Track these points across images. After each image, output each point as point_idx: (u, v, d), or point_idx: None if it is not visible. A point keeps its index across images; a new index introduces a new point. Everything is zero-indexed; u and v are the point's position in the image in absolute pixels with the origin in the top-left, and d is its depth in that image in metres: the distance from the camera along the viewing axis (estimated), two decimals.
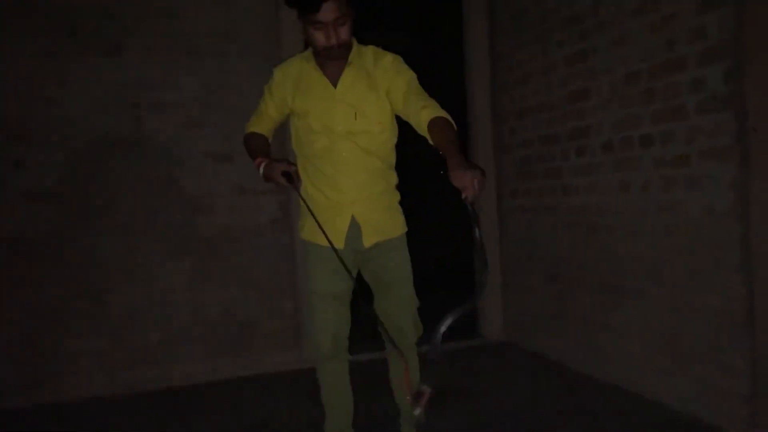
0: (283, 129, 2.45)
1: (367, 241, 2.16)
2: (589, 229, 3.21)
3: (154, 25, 3.42)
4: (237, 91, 3.53)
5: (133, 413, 3.08)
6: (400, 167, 2.28)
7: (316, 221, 2.08)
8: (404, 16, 5.87)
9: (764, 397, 2.31)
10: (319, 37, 1.96)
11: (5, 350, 3.22)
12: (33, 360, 3.25)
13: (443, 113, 1.95)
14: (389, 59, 2.11)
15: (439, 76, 5.76)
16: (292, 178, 2.10)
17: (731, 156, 2.37)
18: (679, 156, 2.61)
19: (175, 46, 3.46)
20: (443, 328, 1.63)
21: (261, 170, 2.13)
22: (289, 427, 2.79)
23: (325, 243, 2.11)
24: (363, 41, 2.17)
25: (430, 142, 1.92)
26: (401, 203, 2.28)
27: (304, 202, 2.15)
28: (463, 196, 1.69)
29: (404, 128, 2.17)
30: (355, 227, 2.15)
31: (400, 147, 2.25)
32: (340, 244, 2.14)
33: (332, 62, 2.07)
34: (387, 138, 2.17)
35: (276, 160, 2.13)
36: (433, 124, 1.91)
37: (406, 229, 2.26)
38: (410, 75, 2.09)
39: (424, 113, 1.94)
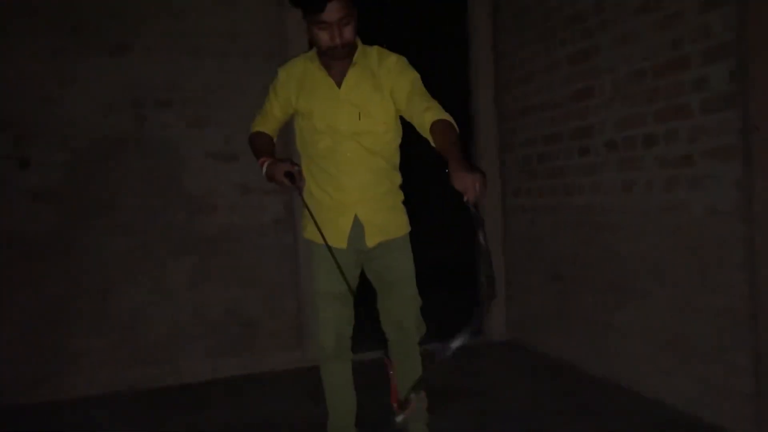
0: (287, 129, 2.45)
1: (370, 241, 2.16)
2: (593, 229, 3.21)
3: (157, 25, 3.42)
4: (240, 91, 3.53)
5: (134, 412, 3.09)
6: (404, 167, 2.28)
7: (315, 222, 2.09)
8: (408, 14, 5.86)
9: None
10: (324, 37, 1.96)
11: (8, 349, 3.23)
12: (35, 358, 3.27)
13: (446, 116, 1.95)
14: (393, 59, 2.10)
15: (443, 75, 5.77)
16: (294, 179, 2.10)
17: (735, 155, 2.37)
18: (682, 155, 2.61)
19: (178, 45, 3.46)
20: (454, 347, 1.59)
21: (264, 170, 2.13)
22: (292, 426, 2.79)
23: (328, 243, 2.12)
24: (367, 41, 2.17)
25: (432, 144, 1.93)
26: (405, 203, 2.28)
27: (305, 203, 2.15)
28: (465, 198, 1.68)
29: (408, 129, 2.16)
30: (358, 227, 2.15)
31: (403, 147, 2.25)
32: (342, 244, 2.15)
33: (337, 62, 2.07)
34: (391, 138, 2.17)
35: (280, 160, 2.13)
36: (436, 126, 1.91)
37: (409, 229, 2.26)
38: (414, 76, 2.09)
39: (426, 115, 1.95)
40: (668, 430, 2.56)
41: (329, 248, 2.05)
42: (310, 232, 2.21)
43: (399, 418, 1.67)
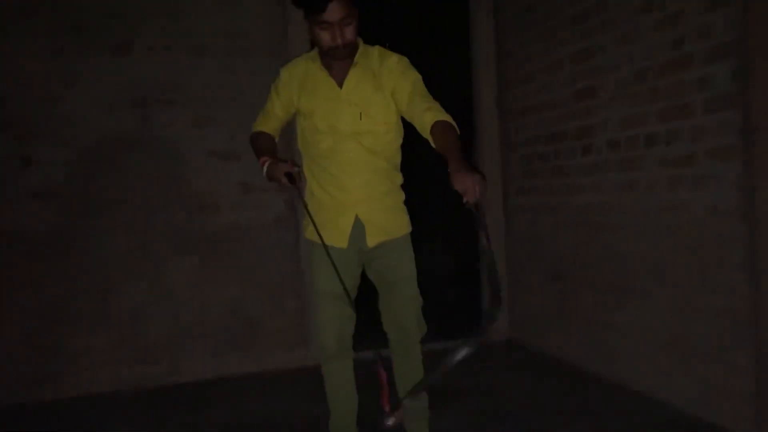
0: (290, 128, 2.45)
1: (371, 241, 2.16)
2: (594, 228, 3.20)
3: (159, 24, 3.43)
4: (242, 90, 3.53)
5: (135, 411, 3.10)
6: (405, 167, 2.28)
7: (313, 223, 2.10)
8: (410, 14, 5.84)
9: None
10: (325, 37, 1.96)
11: (9, 348, 3.24)
12: (36, 357, 3.28)
13: (447, 117, 1.95)
14: (395, 60, 2.11)
15: (445, 74, 5.76)
16: (294, 180, 2.10)
17: (736, 155, 2.36)
18: (684, 155, 2.61)
19: (179, 45, 3.46)
20: (456, 359, 1.57)
21: (264, 170, 2.14)
22: (293, 426, 2.80)
23: (329, 242, 2.13)
24: (369, 41, 2.17)
25: (433, 145, 1.93)
26: (406, 203, 2.28)
27: (304, 204, 2.15)
28: (464, 200, 1.68)
29: (409, 129, 2.16)
30: (359, 227, 2.15)
31: (405, 147, 2.25)
32: (343, 244, 2.15)
33: (338, 62, 2.07)
34: (392, 138, 2.17)
35: (280, 161, 2.13)
36: (436, 127, 1.91)
37: (410, 229, 2.26)
38: (415, 76, 2.09)
39: (427, 116, 1.95)
40: (668, 429, 2.56)
41: (326, 250, 2.05)
42: (311, 233, 2.21)
43: (390, 422, 1.66)
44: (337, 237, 2.15)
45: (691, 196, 2.59)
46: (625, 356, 3.03)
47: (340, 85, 2.09)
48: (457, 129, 1.93)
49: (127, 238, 3.41)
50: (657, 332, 2.81)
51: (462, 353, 1.48)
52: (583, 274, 3.31)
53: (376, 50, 2.14)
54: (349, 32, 1.96)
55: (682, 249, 2.65)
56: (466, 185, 1.67)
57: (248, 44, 3.57)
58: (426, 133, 1.96)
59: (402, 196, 2.27)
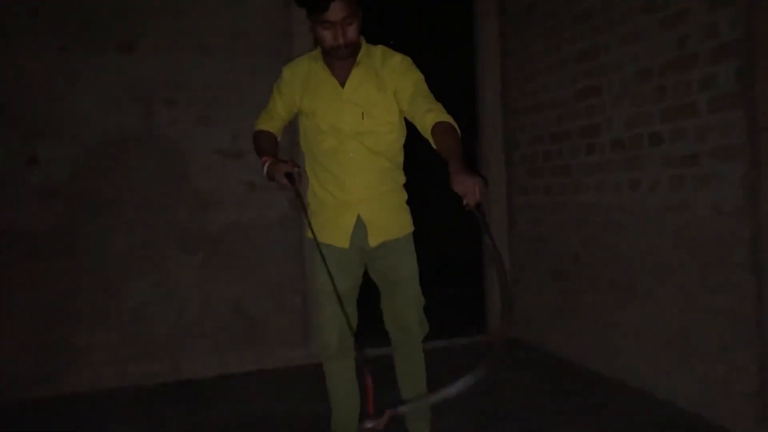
0: (293, 128, 2.45)
1: (373, 241, 2.16)
2: (598, 227, 3.20)
3: (163, 23, 3.43)
4: (246, 89, 3.54)
5: (138, 408, 3.11)
6: (407, 167, 2.28)
7: (309, 223, 2.10)
8: (414, 13, 5.85)
9: None
10: (327, 37, 1.96)
11: (12, 345, 3.25)
12: (40, 355, 3.29)
13: (448, 118, 1.94)
14: (398, 59, 2.10)
15: (449, 73, 5.77)
16: (294, 180, 2.09)
17: (741, 155, 2.35)
18: (689, 155, 2.60)
19: (183, 44, 3.47)
20: (462, 386, 1.55)
21: (265, 169, 2.14)
22: (295, 423, 2.80)
23: (330, 242, 2.14)
24: (373, 40, 2.17)
25: (433, 146, 1.92)
26: (408, 202, 2.28)
27: (303, 205, 2.15)
28: (464, 202, 1.68)
29: (411, 128, 2.16)
30: (360, 227, 2.15)
31: (407, 146, 2.25)
32: (345, 244, 2.15)
33: (340, 62, 2.06)
34: (394, 138, 2.17)
35: (281, 161, 2.13)
36: (437, 128, 1.91)
37: (412, 229, 2.26)
38: (418, 76, 2.09)
39: (428, 117, 1.94)
40: (669, 429, 2.55)
41: (319, 249, 2.06)
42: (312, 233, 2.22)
43: (369, 425, 1.65)
44: (339, 237, 2.15)
45: (694, 196, 2.58)
46: (626, 355, 3.02)
47: (343, 84, 2.09)
48: (459, 130, 1.93)
49: (131, 237, 3.43)
50: (659, 331, 2.81)
51: (468, 381, 1.47)
52: (585, 273, 3.31)
53: (379, 50, 2.14)
54: (352, 32, 1.96)
55: (685, 248, 2.64)
56: (466, 187, 1.67)
57: (252, 43, 3.57)
58: (427, 134, 1.96)
59: (404, 195, 2.27)
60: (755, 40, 2.26)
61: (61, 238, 3.31)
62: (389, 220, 2.19)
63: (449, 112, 1.99)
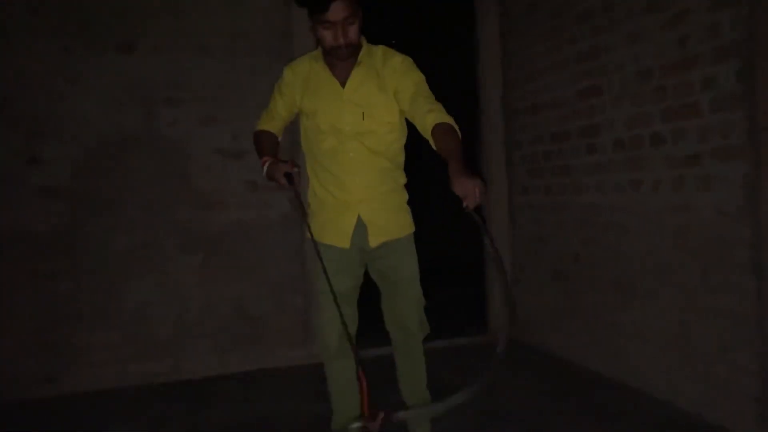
0: (295, 128, 2.45)
1: (373, 241, 2.16)
2: (599, 228, 3.19)
3: (164, 23, 3.43)
4: (247, 89, 3.54)
5: (139, 407, 3.11)
6: (408, 166, 2.27)
7: (306, 222, 2.10)
8: (416, 12, 5.85)
9: None
10: (327, 37, 1.95)
11: (15, 344, 3.26)
12: (44, 353, 3.29)
13: (448, 119, 1.94)
14: (399, 60, 2.10)
15: (451, 72, 5.77)
16: (293, 180, 2.09)
17: (743, 155, 2.35)
18: (690, 155, 2.60)
19: (184, 44, 3.47)
20: (463, 398, 1.55)
21: (264, 169, 2.14)
22: (296, 423, 2.80)
23: (330, 242, 2.14)
24: (375, 40, 2.16)
25: (433, 147, 1.92)
26: (408, 202, 2.28)
27: (301, 205, 2.15)
28: (464, 204, 1.68)
29: (412, 128, 2.16)
30: (361, 227, 2.15)
31: (408, 146, 2.25)
32: (345, 244, 2.15)
33: (341, 62, 2.06)
34: (395, 138, 2.17)
35: (281, 161, 2.13)
36: (438, 129, 1.90)
37: (413, 229, 2.26)
38: (419, 77, 2.08)
39: (429, 117, 1.94)
40: (670, 429, 2.55)
41: (316, 247, 2.06)
42: (313, 233, 2.21)
43: (355, 425, 1.65)
44: (339, 237, 2.15)
45: (696, 197, 2.58)
46: (627, 356, 3.02)
47: (343, 84, 2.09)
48: (459, 132, 1.92)
49: (131, 237, 3.43)
50: (660, 332, 2.81)
51: (470, 392, 1.47)
52: (586, 274, 3.31)
53: (380, 50, 2.13)
54: (352, 32, 1.96)
55: (687, 249, 2.64)
56: (466, 190, 1.66)
57: (252, 43, 3.57)
58: (427, 135, 1.96)
59: (405, 195, 2.26)
60: (756, 40, 2.25)
61: (61, 238, 3.32)
62: (390, 220, 2.18)
63: (450, 112, 1.99)
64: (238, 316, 3.61)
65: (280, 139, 2.33)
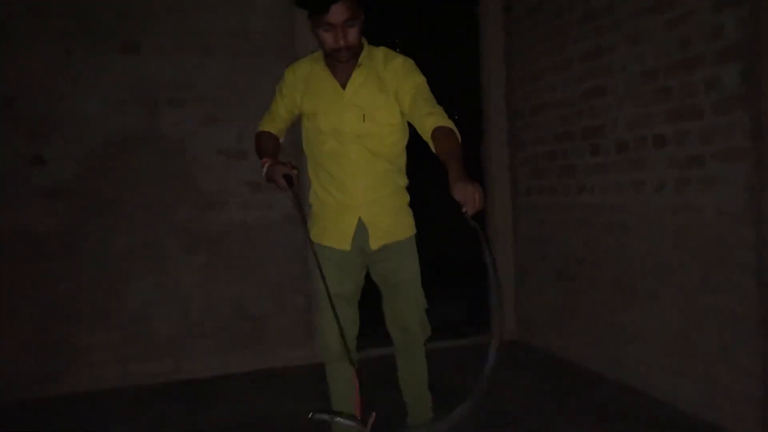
0: (297, 129, 2.44)
1: (374, 244, 2.15)
2: (602, 228, 3.18)
3: (167, 24, 3.43)
4: (250, 89, 3.53)
5: (140, 407, 3.11)
6: (409, 167, 2.26)
7: (304, 222, 2.09)
8: (419, 13, 5.84)
9: None
10: (328, 39, 1.94)
11: (16, 344, 3.26)
12: (43, 354, 3.29)
13: (449, 122, 1.93)
14: (400, 61, 2.08)
15: (454, 73, 5.76)
16: (291, 182, 2.08)
17: (745, 157, 2.34)
18: (693, 156, 2.58)
19: (188, 44, 3.46)
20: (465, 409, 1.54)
21: (264, 170, 2.12)
22: (297, 423, 2.79)
23: (331, 244, 2.13)
24: (377, 40, 2.15)
25: (433, 150, 1.91)
26: (410, 203, 2.26)
27: (300, 206, 2.14)
28: (463, 209, 1.66)
29: (413, 129, 2.15)
30: (362, 229, 2.14)
31: (409, 147, 2.23)
32: (346, 246, 2.14)
33: (342, 64, 2.05)
34: (396, 140, 2.16)
35: (281, 162, 2.11)
36: (437, 132, 1.89)
37: (414, 231, 2.25)
38: (420, 79, 2.07)
39: (429, 120, 1.93)
40: (671, 430, 2.54)
41: (313, 248, 2.06)
42: (314, 235, 2.20)
43: (341, 420, 1.64)
44: (340, 239, 2.14)
45: (698, 198, 2.56)
46: (629, 356, 3.01)
47: (344, 86, 2.07)
48: (459, 135, 1.91)
49: (134, 236, 3.42)
50: (662, 333, 2.79)
51: (469, 404, 1.47)
52: (589, 274, 3.29)
53: (381, 51, 2.12)
54: (353, 34, 1.94)
55: (689, 250, 2.63)
56: (466, 195, 1.65)
57: (256, 44, 3.57)
58: (427, 138, 1.94)
59: (406, 197, 2.25)
60: (760, 41, 2.24)
61: (63, 238, 3.31)
62: (390, 223, 2.17)
63: (453, 112, 1.98)
64: (238, 316, 3.60)
65: (281, 140, 2.32)
